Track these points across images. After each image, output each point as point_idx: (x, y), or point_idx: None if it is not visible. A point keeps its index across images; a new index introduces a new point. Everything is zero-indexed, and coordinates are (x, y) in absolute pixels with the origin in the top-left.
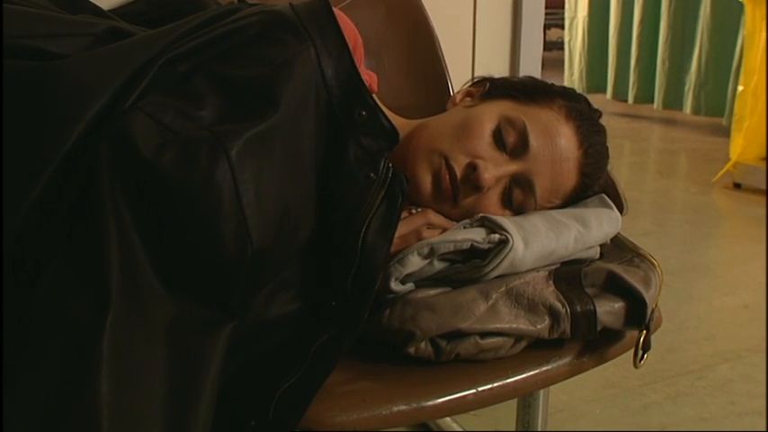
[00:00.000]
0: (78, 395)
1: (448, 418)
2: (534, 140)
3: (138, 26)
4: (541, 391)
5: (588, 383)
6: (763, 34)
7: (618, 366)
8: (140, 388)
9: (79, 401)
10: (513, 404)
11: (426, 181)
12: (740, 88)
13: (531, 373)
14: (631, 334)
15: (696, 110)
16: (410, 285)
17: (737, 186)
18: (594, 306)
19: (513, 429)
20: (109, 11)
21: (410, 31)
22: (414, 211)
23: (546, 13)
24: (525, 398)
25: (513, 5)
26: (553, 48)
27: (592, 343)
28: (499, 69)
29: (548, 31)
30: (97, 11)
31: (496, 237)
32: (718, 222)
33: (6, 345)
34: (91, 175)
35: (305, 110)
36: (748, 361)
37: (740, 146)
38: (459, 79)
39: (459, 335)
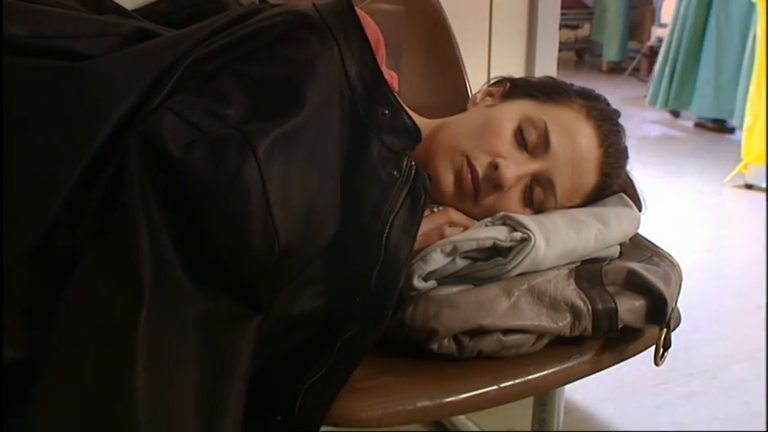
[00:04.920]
0: (115, 392)
1: (463, 417)
2: (555, 140)
3: (162, 27)
4: (557, 390)
5: (602, 383)
6: None
7: (631, 365)
8: (174, 383)
9: (116, 398)
10: (526, 402)
11: (448, 180)
12: (752, 88)
13: (553, 369)
14: (649, 331)
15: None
16: (432, 283)
17: (749, 187)
18: (616, 304)
19: (528, 427)
20: (132, 11)
21: (429, 33)
22: (435, 209)
23: None
24: (541, 396)
25: (529, 6)
26: (562, 48)
27: (611, 340)
28: (515, 70)
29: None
30: (121, 11)
31: (518, 235)
32: (730, 223)
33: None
34: (121, 174)
35: (329, 109)
36: (762, 361)
37: (752, 146)
38: (474, 79)
39: (482, 332)
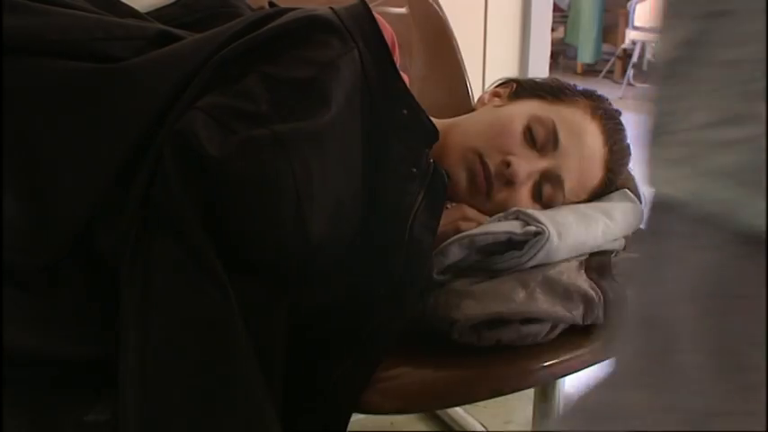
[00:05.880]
0: (226, 380)
1: (464, 413)
2: (563, 138)
3: (183, 30)
4: (558, 381)
5: (594, 376)
6: None
7: None
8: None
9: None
10: (521, 396)
11: (462, 177)
12: None
13: (567, 357)
14: None
15: None
16: (449, 276)
17: None
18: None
19: (524, 420)
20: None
21: (433, 36)
22: (449, 206)
23: None
24: (543, 389)
25: (522, 9)
26: None
27: None
28: (509, 71)
29: None
30: (137, 14)
31: (533, 229)
32: None
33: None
34: (155, 172)
35: (352, 109)
36: None
37: None
38: (471, 80)
39: (501, 322)
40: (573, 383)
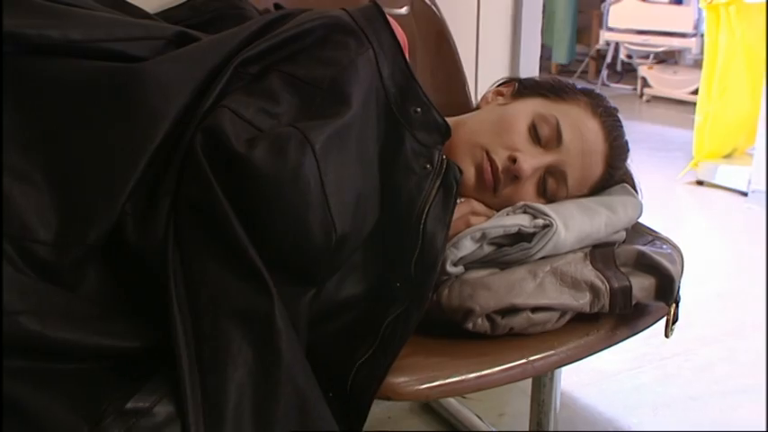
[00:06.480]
0: (271, 365)
1: (463, 408)
2: (566, 134)
3: (199, 31)
4: (556, 372)
5: (582, 369)
6: (723, 37)
7: (609, 352)
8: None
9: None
10: (513, 388)
11: (469, 173)
12: (701, 90)
13: (574, 344)
14: (654, 307)
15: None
16: (461, 268)
17: (700, 183)
18: (630, 283)
19: (518, 412)
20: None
21: (434, 37)
22: (458, 201)
23: None
24: (540, 378)
25: (514, 11)
26: None
27: (623, 316)
28: (501, 71)
29: None
30: (145, 15)
31: (541, 222)
32: (684, 218)
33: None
34: (188, 168)
35: (369, 108)
36: (725, 345)
37: (702, 145)
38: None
39: (513, 310)
40: (570, 375)
